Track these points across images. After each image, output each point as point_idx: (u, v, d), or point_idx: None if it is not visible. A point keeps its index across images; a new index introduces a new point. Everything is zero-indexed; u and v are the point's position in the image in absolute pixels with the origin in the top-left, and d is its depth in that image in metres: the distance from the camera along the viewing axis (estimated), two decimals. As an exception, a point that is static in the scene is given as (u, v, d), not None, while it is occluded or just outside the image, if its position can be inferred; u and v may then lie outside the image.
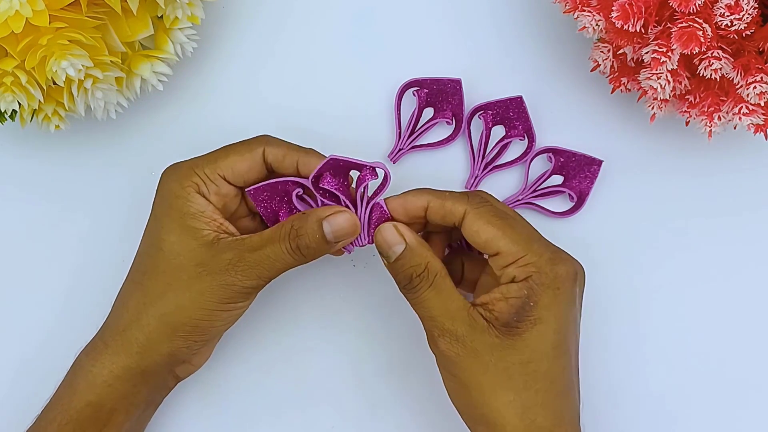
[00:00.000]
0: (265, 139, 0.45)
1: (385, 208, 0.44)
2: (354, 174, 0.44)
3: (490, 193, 0.45)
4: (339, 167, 0.43)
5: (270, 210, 0.45)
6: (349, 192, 0.44)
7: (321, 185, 0.43)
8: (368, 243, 0.44)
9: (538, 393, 0.40)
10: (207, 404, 0.50)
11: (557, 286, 0.40)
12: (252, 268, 0.42)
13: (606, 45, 0.46)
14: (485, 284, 0.45)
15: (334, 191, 0.43)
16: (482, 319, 0.41)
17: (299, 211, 0.44)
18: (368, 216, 0.44)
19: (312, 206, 0.44)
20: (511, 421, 0.40)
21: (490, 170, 0.51)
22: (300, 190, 0.44)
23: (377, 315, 0.51)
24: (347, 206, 0.44)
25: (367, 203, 0.44)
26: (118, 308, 0.45)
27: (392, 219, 0.44)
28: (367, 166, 0.43)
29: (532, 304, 0.40)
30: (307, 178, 0.43)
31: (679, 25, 0.41)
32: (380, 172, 0.43)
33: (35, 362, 0.50)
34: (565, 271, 0.41)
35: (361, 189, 0.43)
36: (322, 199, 0.44)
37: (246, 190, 0.45)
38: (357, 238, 0.44)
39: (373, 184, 0.43)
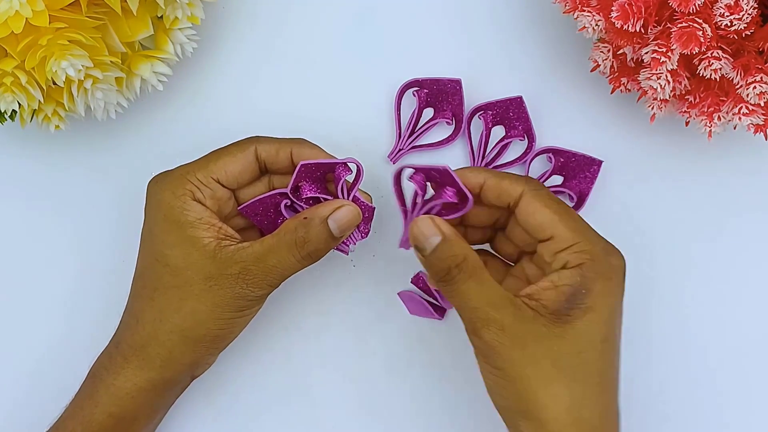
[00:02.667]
0: (255, 139, 0.45)
1: (362, 199, 0.44)
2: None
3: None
4: (313, 172, 0.43)
5: (266, 221, 0.46)
6: (329, 192, 0.45)
7: (303, 195, 0.43)
8: (362, 239, 0.45)
9: (587, 386, 0.39)
10: (207, 405, 0.50)
11: (610, 276, 0.39)
12: (260, 279, 0.42)
13: (606, 45, 0.46)
14: (511, 286, 0.44)
15: (317, 196, 0.43)
16: (528, 308, 0.39)
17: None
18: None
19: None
20: (557, 415, 0.38)
21: (490, 170, 0.51)
22: (288, 201, 0.44)
23: (377, 315, 0.51)
24: None
25: (347, 197, 0.44)
26: (131, 324, 0.44)
27: (372, 210, 0.44)
28: (339, 163, 0.43)
29: (584, 291, 0.38)
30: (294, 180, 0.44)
31: (679, 25, 0.41)
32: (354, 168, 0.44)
33: (35, 360, 0.50)
34: (617, 262, 0.40)
35: (340, 186, 0.43)
36: (308, 206, 0.44)
37: (238, 208, 0.45)
38: (352, 235, 0.45)
39: (349, 179, 0.44)
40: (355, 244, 0.45)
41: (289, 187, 0.43)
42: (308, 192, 0.43)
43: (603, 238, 0.41)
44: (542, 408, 0.38)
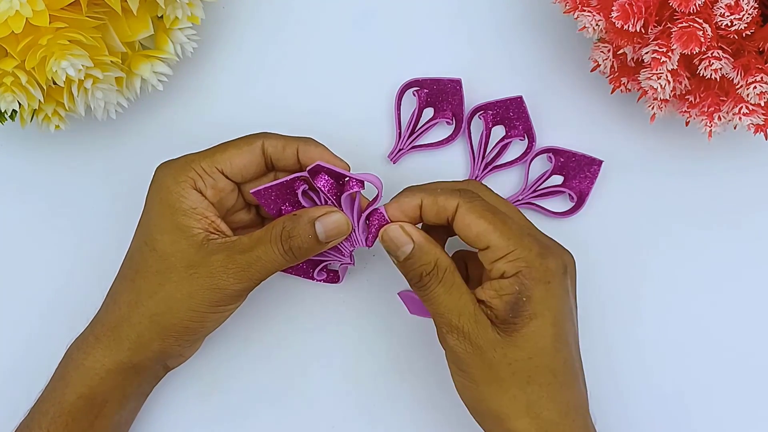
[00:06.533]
0: (263, 134, 0.45)
1: (384, 213, 0.43)
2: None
3: (486, 185, 0.45)
4: (332, 171, 0.43)
5: (275, 208, 0.45)
6: (340, 193, 0.44)
7: (315, 183, 0.43)
8: (365, 246, 0.45)
9: (542, 387, 0.40)
10: (205, 405, 0.50)
11: (548, 280, 0.40)
12: (243, 271, 0.42)
13: (606, 45, 0.46)
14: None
15: (326, 192, 0.43)
16: (484, 316, 0.41)
17: (304, 207, 0.44)
18: (364, 221, 0.44)
19: (317, 203, 0.44)
20: (517, 414, 0.40)
21: (490, 170, 0.51)
22: (305, 186, 0.44)
23: (376, 315, 0.51)
24: (339, 207, 0.44)
25: (360, 211, 0.44)
26: (109, 304, 0.45)
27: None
28: (353, 179, 0.43)
29: (524, 299, 0.40)
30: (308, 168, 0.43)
31: (679, 25, 0.41)
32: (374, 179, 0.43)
33: (33, 359, 0.50)
34: (555, 264, 0.41)
35: (348, 195, 0.43)
36: (325, 194, 0.43)
37: (251, 191, 0.44)
38: (354, 241, 0.44)
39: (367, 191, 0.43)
40: (359, 247, 0.45)
41: (309, 168, 0.43)
42: (322, 182, 0.43)
43: (543, 240, 0.42)
44: (503, 408, 0.41)
